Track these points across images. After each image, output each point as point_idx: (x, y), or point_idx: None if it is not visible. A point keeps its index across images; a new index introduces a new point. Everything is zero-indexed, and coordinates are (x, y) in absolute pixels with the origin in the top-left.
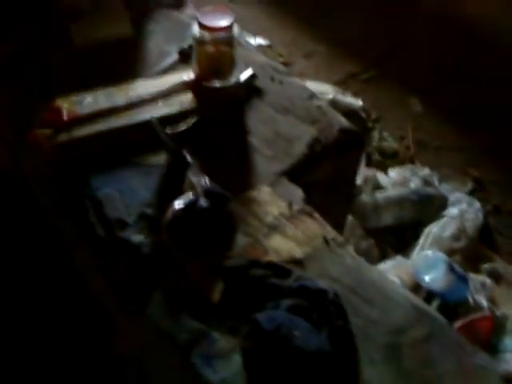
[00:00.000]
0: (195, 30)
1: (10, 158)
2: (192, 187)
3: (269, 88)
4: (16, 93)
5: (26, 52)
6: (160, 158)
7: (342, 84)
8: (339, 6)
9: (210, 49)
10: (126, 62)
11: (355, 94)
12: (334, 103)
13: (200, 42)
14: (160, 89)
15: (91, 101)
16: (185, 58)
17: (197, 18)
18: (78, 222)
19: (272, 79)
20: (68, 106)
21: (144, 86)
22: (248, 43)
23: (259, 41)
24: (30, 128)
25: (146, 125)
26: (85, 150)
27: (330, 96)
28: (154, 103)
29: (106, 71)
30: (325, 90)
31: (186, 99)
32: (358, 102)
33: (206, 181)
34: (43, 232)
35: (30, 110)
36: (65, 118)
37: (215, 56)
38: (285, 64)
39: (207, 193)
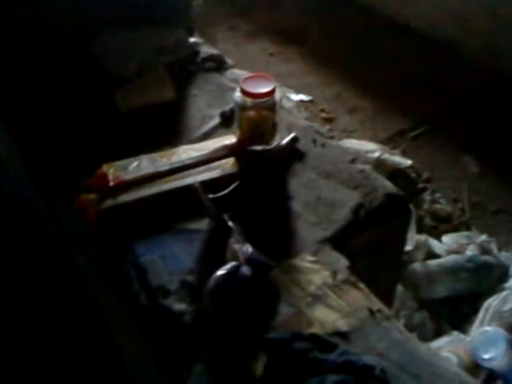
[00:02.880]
0: (237, 95)
1: (52, 221)
2: (234, 254)
3: (311, 151)
4: (62, 158)
5: (72, 118)
6: (202, 224)
7: (389, 141)
8: (384, 58)
9: (252, 114)
10: (169, 127)
11: (404, 153)
12: (380, 162)
13: (242, 107)
14: (202, 153)
15: (136, 166)
16: (226, 121)
17: (239, 84)
18: (119, 289)
19: (314, 142)
20: (114, 171)
21: (186, 152)
22: (289, 100)
23: (301, 96)
24: (76, 193)
25: (189, 190)
26: (129, 216)
27: (376, 154)
28: (197, 168)
29: (150, 136)
30: (371, 148)
31: (228, 164)
32: (407, 161)
33: (248, 248)
34: (82, 297)
35: (76, 175)
36: (110, 183)
37: (257, 121)
38: (328, 120)
39: (250, 261)
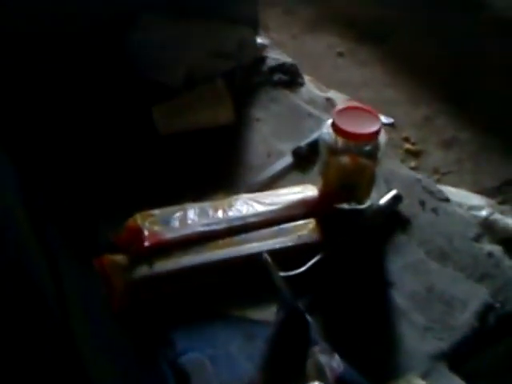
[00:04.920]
0: (326, 132)
1: (50, 282)
2: (319, 370)
3: (417, 217)
4: (76, 193)
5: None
6: (268, 313)
7: (497, 192)
8: (499, 71)
9: (346, 161)
10: (223, 163)
11: None
12: (489, 225)
13: (332, 149)
14: (271, 209)
15: (180, 219)
16: (301, 162)
17: (324, 114)
18: None
19: (422, 205)
20: (150, 225)
21: (248, 204)
22: None
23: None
24: (97, 251)
25: (254, 262)
26: (170, 292)
27: (483, 213)
28: (262, 230)
29: (198, 173)
30: (474, 203)
31: (307, 228)
32: None
33: (339, 363)
34: None
35: (94, 221)
36: (146, 242)
37: (351, 171)
38: (413, 154)
39: (342, 382)
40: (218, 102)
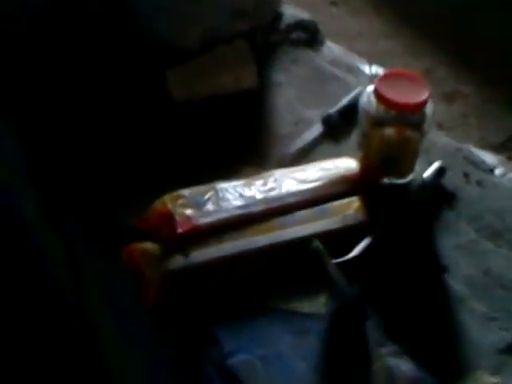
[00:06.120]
0: (367, 100)
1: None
2: (388, 375)
3: (462, 191)
4: (90, 172)
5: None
6: (317, 304)
7: (503, 149)
8: (492, 24)
9: (391, 133)
10: (248, 132)
11: None
12: None
13: (375, 120)
14: (309, 186)
15: (212, 201)
16: (332, 131)
17: (364, 81)
18: None
19: (466, 177)
20: (181, 209)
21: (284, 180)
22: (361, 74)
23: (376, 70)
24: (120, 238)
25: (297, 247)
26: (209, 283)
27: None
28: (303, 211)
29: (221, 145)
30: (484, 159)
31: (352, 207)
32: None
33: (410, 367)
34: None
35: (117, 208)
36: (179, 229)
37: (396, 144)
38: None
39: None
40: (241, 63)
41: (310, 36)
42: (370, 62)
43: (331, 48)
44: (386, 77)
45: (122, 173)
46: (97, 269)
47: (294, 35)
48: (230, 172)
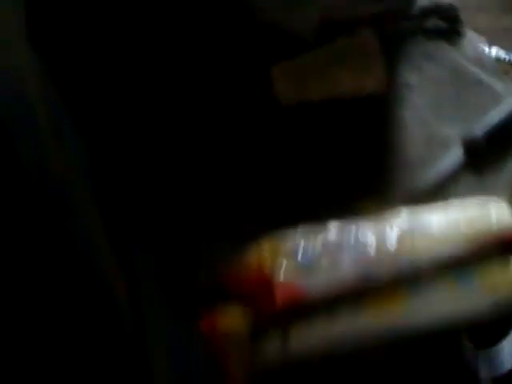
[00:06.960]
0: None
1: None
2: None
3: None
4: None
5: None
6: None
7: None
8: None
9: None
10: (367, 151)
11: None
12: None
13: None
14: (450, 245)
15: (324, 256)
16: (475, 157)
17: None
18: None
19: None
20: (284, 267)
21: (416, 230)
22: (483, 56)
23: (500, 53)
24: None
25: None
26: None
27: None
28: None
29: (331, 166)
30: None
31: (506, 279)
32: None
33: None
34: None
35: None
36: (279, 301)
37: None
38: None
39: None
40: (366, 62)
41: (449, 25)
42: (491, 41)
43: (474, 42)
44: None
45: (206, 198)
46: (160, 323)
47: (430, 23)
48: (342, 205)
